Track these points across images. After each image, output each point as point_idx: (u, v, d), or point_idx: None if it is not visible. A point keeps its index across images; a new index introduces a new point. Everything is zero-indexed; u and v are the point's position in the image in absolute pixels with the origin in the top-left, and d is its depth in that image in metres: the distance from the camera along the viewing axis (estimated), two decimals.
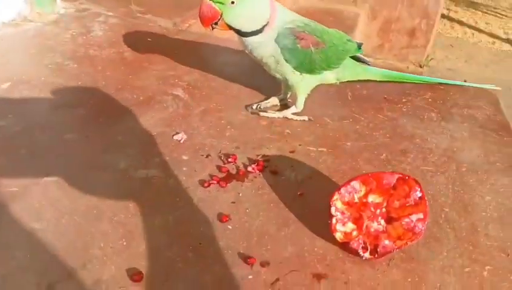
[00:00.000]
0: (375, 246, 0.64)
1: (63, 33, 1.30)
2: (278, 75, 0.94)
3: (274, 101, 1.01)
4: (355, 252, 0.64)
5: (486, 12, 4.34)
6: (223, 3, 0.82)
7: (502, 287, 0.62)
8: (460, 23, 4.06)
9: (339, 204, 0.66)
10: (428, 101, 1.09)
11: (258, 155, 0.85)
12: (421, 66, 3.09)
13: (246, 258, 0.63)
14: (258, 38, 0.86)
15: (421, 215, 0.64)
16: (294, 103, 0.98)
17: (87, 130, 0.89)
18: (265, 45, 0.87)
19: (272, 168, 0.82)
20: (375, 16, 2.90)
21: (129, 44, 1.25)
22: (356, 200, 0.66)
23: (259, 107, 0.99)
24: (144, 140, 0.87)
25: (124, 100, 0.99)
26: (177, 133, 0.89)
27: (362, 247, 0.64)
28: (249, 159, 0.84)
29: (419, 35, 2.92)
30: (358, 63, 0.99)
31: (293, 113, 0.97)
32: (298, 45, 0.87)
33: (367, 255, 0.64)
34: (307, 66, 0.90)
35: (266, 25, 0.85)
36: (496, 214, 0.75)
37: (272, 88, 1.05)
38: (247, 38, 0.87)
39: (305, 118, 0.97)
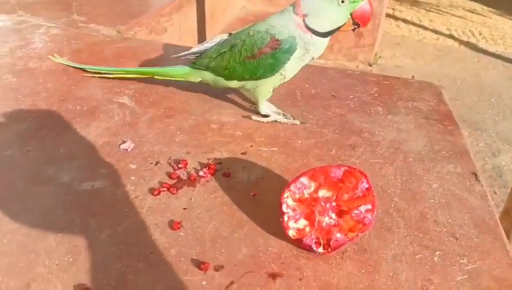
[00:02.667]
0: (328, 241, 0.64)
1: (0, 47, 1.24)
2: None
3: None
4: (308, 248, 0.64)
5: (429, 10, 4.53)
6: None
7: (452, 270, 0.64)
8: (405, 21, 4.22)
9: (290, 201, 0.66)
10: (374, 96, 1.12)
11: (209, 159, 0.84)
12: (370, 65, 3.18)
13: (199, 264, 0.62)
14: None
15: (369, 206, 0.64)
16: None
17: (28, 145, 0.85)
18: None
19: (224, 171, 0.81)
20: None
21: (71, 54, 1.21)
22: (306, 195, 0.66)
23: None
24: (88, 151, 0.84)
25: (67, 111, 0.96)
26: (124, 142, 0.86)
27: (315, 242, 0.64)
28: (200, 164, 0.82)
29: (366, 35, 3.01)
30: None
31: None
32: None
33: (320, 250, 0.64)
34: None
35: None
36: (444, 200, 0.78)
37: (219, 93, 1.04)
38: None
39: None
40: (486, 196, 0.79)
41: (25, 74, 1.10)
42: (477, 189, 0.81)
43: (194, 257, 0.63)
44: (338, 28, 0.84)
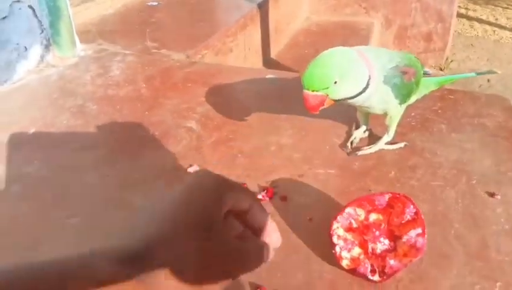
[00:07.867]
0: (383, 268, 0.65)
1: (83, 75, 1.38)
2: (378, 112, 0.93)
3: (360, 135, 1.01)
4: (364, 277, 0.66)
5: (507, 8, 4.26)
6: (327, 87, 0.79)
7: None
8: (480, 21, 4.00)
9: (340, 231, 0.68)
10: (437, 112, 1.10)
11: (267, 182, 0.88)
12: (441, 69, 3.06)
13: (256, 288, 0.66)
14: (367, 93, 0.83)
15: (419, 230, 0.64)
16: (384, 131, 0.97)
17: (107, 170, 0.94)
18: (375, 93, 0.85)
19: (281, 194, 0.84)
20: (390, 24, 2.91)
21: (145, 81, 1.31)
22: (355, 225, 0.68)
23: (352, 145, 0.99)
24: (159, 175, 0.91)
25: (140, 137, 1.04)
26: (191, 165, 0.93)
27: (370, 270, 0.65)
28: (259, 187, 0.86)
29: (436, 39, 2.91)
30: (424, 78, 0.97)
31: (387, 143, 0.96)
32: (404, 81, 0.88)
33: (376, 277, 0.65)
34: (408, 97, 0.92)
35: (369, 78, 0.82)
36: (508, 226, 0.75)
37: (278, 115, 1.08)
38: (355, 98, 0.84)
39: (401, 144, 0.97)
40: None
41: (104, 102, 1.21)
42: None
43: (251, 281, 0.67)
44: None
